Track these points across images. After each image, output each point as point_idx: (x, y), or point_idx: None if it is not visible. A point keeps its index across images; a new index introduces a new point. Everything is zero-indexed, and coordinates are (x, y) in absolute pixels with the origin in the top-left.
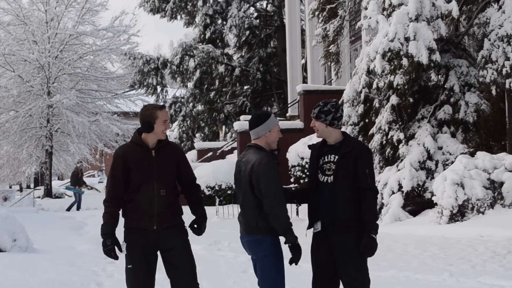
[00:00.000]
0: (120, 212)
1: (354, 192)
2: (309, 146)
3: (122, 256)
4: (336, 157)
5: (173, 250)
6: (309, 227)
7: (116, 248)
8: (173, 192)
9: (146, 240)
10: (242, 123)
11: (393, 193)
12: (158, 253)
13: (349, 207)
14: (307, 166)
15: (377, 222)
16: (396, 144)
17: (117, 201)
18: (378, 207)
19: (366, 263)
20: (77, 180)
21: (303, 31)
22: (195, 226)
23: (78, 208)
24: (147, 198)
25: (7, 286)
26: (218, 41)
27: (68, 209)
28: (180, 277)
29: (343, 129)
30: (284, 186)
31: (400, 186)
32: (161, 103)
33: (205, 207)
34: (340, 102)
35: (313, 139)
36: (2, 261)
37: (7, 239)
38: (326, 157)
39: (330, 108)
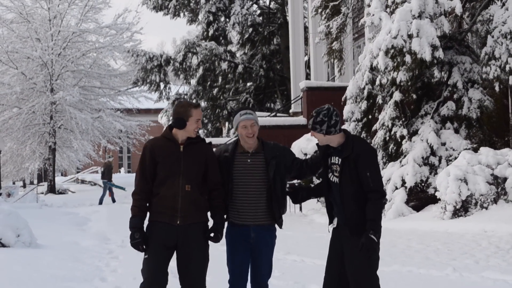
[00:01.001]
0: None
1: (360, 194)
2: (317, 145)
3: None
4: (340, 160)
5: (191, 248)
6: (330, 223)
7: (143, 241)
8: (200, 189)
9: (168, 234)
10: None
11: (397, 188)
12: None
13: (357, 209)
14: None
15: (379, 223)
16: (399, 140)
17: (145, 194)
18: None
19: (374, 262)
20: (111, 175)
21: (306, 28)
22: (212, 235)
23: (114, 200)
24: (172, 193)
25: (11, 281)
26: (221, 38)
27: (101, 202)
28: (189, 277)
29: (346, 125)
30: (289, 182)
31: (404, 182)
32: (165, 100)
33: None
34: (343, 98)
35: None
36: (5, 256)
37: (10, 235)
38: (332, 158)
39: (323, 118)
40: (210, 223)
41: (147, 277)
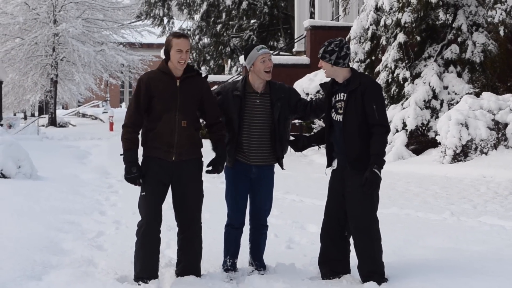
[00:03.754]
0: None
1: (365, 129)
2: (321, 85)
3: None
4: (345, 95)
5: (186, 184)
6: (328, 166)
7: (140, 175)
8: (195, 125)
9: (163, 170)
10: None
11: (397, 131)
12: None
13: (360, 145)
14: None
15: (383, 157)
16: (401, 82)
17: (137, 127)
18: None
19: (375, 201)
20: None
21: None
22: (212, 168)
23: None
24: (168, 128)
25: (11, 212)
26: None
27: None
28: (185, 213)
29: None
30: (295, 134)
31: (404, 125)
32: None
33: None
34: (347, 38)
35: (319, 75)
36: (6, 187)
37: (11, 166)
38: (337, 95)
39: (334, 48)
40: (204, 159)
41: (146, 214)
